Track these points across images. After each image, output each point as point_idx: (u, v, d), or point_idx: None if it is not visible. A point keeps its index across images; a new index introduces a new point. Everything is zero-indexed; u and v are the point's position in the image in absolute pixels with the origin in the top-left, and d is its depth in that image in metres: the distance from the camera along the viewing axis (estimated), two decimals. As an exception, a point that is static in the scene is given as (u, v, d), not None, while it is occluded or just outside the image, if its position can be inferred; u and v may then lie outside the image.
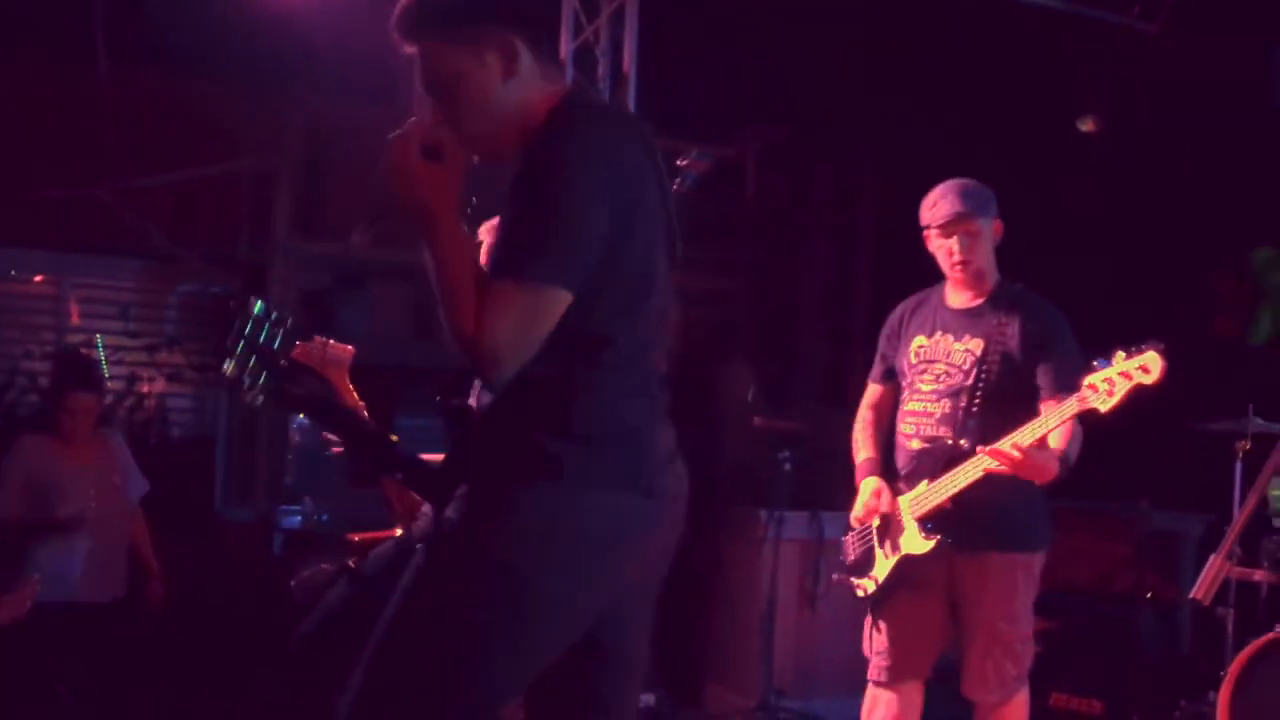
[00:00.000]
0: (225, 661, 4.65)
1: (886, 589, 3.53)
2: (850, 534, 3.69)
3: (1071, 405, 3.14)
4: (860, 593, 3.60)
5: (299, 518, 6.17)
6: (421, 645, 1.85)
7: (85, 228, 6.46)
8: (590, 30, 5.09)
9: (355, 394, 3.45)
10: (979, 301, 3.51)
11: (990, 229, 3.53)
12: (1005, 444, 3.13)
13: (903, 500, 3.49)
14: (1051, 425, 3.16)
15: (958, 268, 3.50)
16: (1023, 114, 6.53)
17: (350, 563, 4.07)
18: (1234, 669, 3.94)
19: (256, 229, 7.13)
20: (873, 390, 3.83)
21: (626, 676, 2.12)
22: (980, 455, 3.20)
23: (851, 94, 6.75)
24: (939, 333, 3.52)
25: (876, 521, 3.56)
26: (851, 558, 3.66)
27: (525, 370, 1.88)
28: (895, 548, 3.49)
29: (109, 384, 6.12)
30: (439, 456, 2.92)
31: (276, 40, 5.67)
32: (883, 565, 3.53)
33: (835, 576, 3.73)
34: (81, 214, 6.25)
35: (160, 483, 4.93)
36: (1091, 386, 3.10)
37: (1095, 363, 3.11)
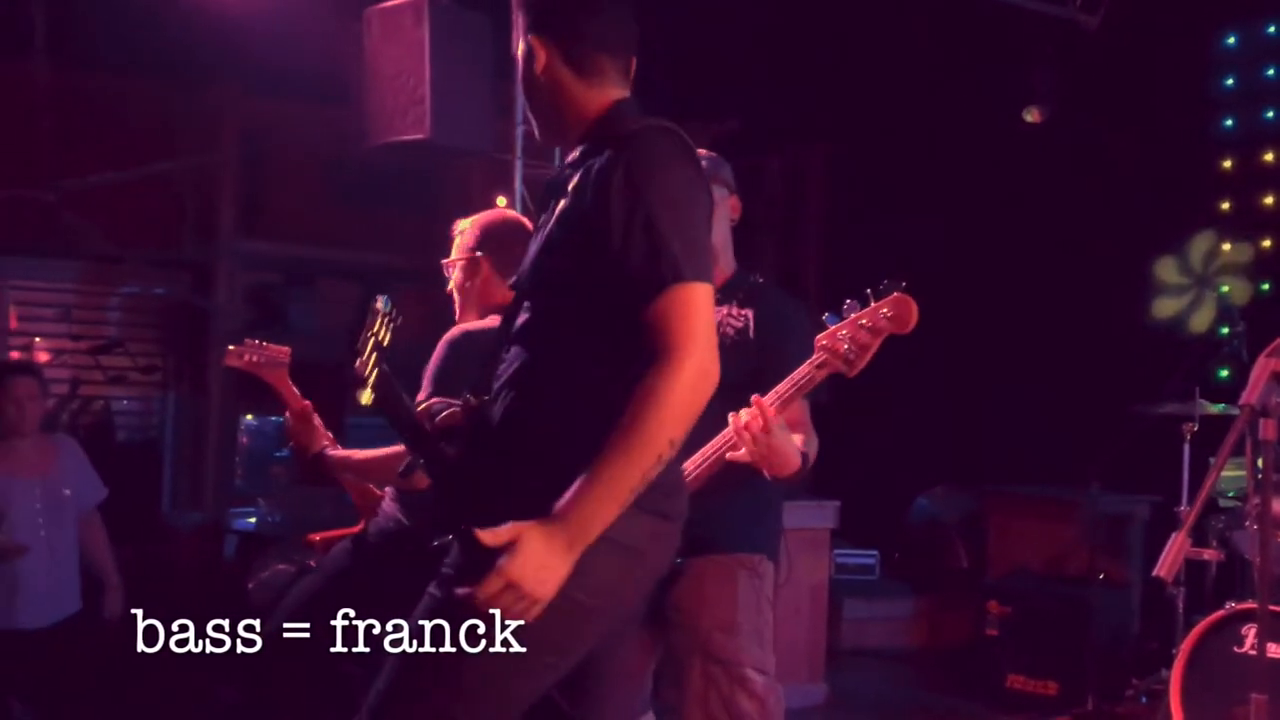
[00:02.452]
0: (186, 668, 4.58)
1: None
2: None
3: (806, 372, 2.59)
4: None
5: (253, 520, 6.09)
6: (447, 657, 1.86)
7: (24, 229, 6.34)
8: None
9: (299, 394, 3.39)
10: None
11: (726, 206, 2.99)
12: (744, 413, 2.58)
13: None
14: (784, 392, 2.61)
15: None
16: (968, 105, 6.61)
17: (310, 563, 4.03)
18: (1186, 646, 4.00)
19: (200, 228, 7.04)
20: None
21: (616, 686, 2.16)
22: (724, 434, 2.64)
23: (799, 86, 6.79)
24: None
25: None
26: None
27: (554, 387, 1.91)
28: None
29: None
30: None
31: (215, 38, 5.59)
32: None
33: None
34: (20, 215, 6.14)
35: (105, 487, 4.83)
36: (829, 348, 2.54)
37: (825, 317, 2.58)
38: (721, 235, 2.93)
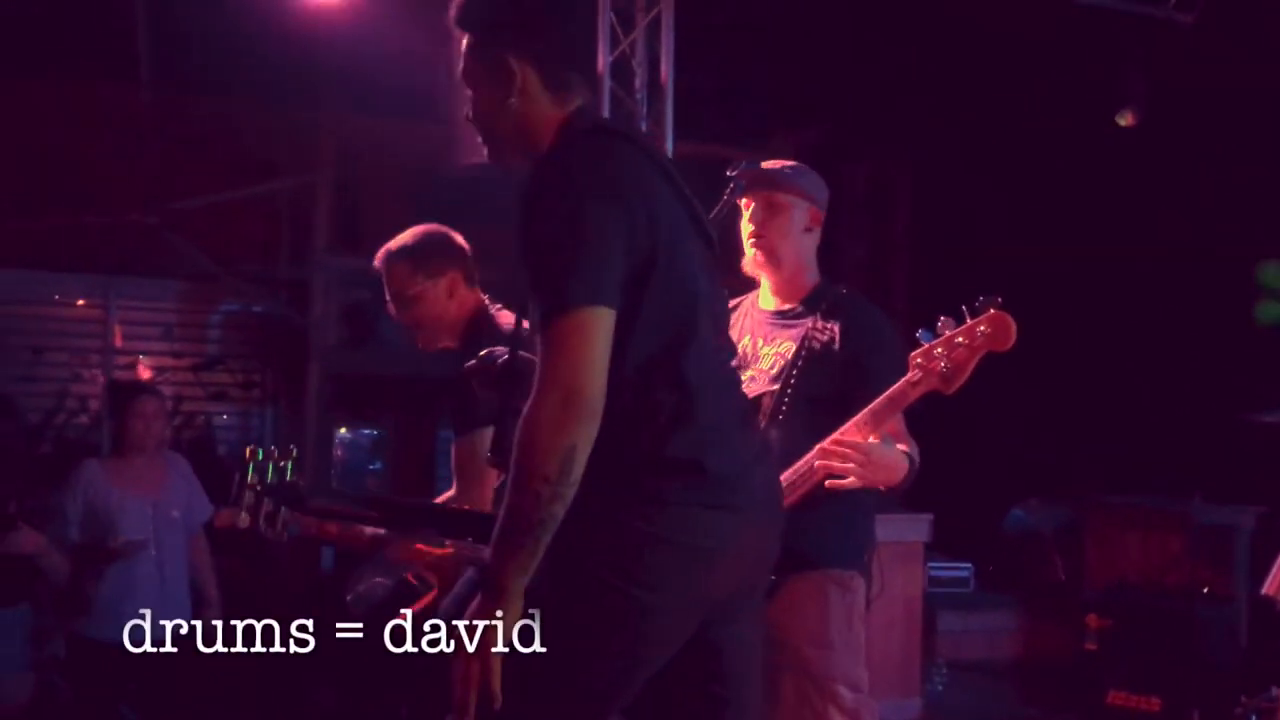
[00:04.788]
0: (288, 676, 4.67)
1: None
2: None
3: (901, 389, 2.58)
4: None
5: (350, 533, 6.18)
6: (524, 666, 1.87)
7: (128, 250, 6.52)
8: (627, 43, 5.11)
9: None
10: (794, 304, 2.96)
11: (803, 214, 2.95)
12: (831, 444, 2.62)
13: None
14: (879, 410, 2.62)
15: (750, 241, 2.94)
16: (1061, 109, 6.49)
17: (408, 575, 4.08)
18: (1298, 663, 3.88)
19: (296, 246, 7.19)
20: None
21: (747, 665, 2.15)
22: (814, 462, 2.66)
23: (886, 94, 6.74)
24: (746, 337, 2.96)
25: None
26: None
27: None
28: None
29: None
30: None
31: (310, 60, 5.73)
32: None
33: None
34: (124, 237, 6.32)
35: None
36: (925, 366, 2.53)
37: (918, 334, 2.56)
38: (798, 246, 2.94)
